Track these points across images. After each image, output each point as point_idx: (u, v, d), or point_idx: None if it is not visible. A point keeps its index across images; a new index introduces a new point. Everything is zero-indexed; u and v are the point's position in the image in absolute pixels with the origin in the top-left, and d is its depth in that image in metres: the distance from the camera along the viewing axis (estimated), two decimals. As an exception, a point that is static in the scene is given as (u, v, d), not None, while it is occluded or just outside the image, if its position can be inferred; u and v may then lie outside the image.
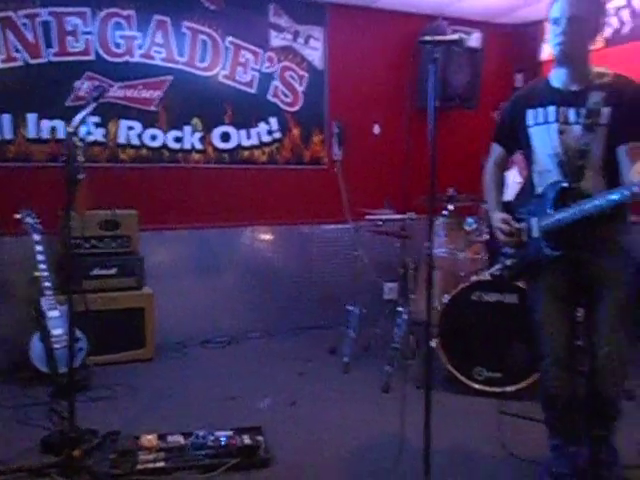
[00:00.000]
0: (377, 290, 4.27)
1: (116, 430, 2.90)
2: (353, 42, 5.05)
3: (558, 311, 2.44)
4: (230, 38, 4.57)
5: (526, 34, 5.73)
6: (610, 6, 4.85)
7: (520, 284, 3.32)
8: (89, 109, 2.61)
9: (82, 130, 3.04)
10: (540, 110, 2.36)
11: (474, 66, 5.14)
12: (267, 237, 4.92)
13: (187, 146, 4.53)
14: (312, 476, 2.63)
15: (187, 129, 4.51)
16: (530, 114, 2.40)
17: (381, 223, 4.01)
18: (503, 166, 2.67)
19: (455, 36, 2.25)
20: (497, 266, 2.67)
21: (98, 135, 4.29)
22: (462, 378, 3.51)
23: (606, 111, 2.23)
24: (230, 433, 2.78)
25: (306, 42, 4.83)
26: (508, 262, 2.58)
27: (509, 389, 3.42)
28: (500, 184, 2.67)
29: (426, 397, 2.32)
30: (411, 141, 4.57)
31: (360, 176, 4.98)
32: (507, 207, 2.60)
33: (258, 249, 4.89)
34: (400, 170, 5.00)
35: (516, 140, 2.51)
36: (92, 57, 4.22)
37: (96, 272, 4.04)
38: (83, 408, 2.97)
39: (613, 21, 4.91)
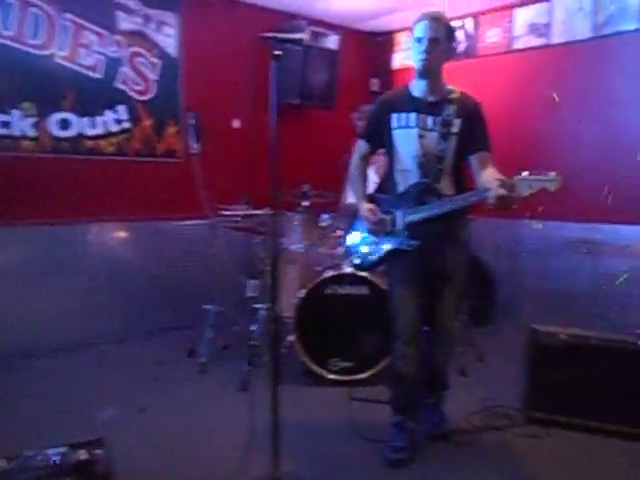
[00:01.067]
0: (240, 288, 4.18)
1: None
2: (211, 32, 4.93)
3: (412, 297, 2.74)
4: (69, 15, 4.18)
5: (381, 42, 6.04)
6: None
7: (371, 278, 3.60)
8: None
9: None
10: (403, 115, 2.70)
11: (332, 67, 5.28)
12: (118, 234, 4.59)
13: (16, 132, 4.05)
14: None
15: (16, 113, 4.03)
16: (394, 118, 2.72)
17: (238, 219, 3.96)
18: (368, 161, 2.94)
19: (297, 35, 2.39)
20: (358, 254, 2.93)
21: None
22: (317, 369, 3.62)
23: (457, 122, 2.64)
24: (64, 449, 2.47)
25: (158, 28, 4.60)
26: (370, 249, 2.86)
27: (361, 376, 3.62)
28: (365, 177, 2.93)
29: (273, 389, 2.42)
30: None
31: (219, 171, 4.84)
32: (370, 200, 2.85)
33: (108, 247, 4.55)
34: (259, 165, 4.97)
35: (381, 139, 2.80)
36: None
37: None
38: None
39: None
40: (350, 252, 3.01)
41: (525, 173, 2.30)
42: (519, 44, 5.05)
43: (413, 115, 2.67)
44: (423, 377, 2.89)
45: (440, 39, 2.59)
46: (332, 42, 5.29)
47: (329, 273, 3.68)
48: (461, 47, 5.41)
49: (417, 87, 2.71)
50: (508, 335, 4.52)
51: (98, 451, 2.52)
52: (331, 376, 3.61)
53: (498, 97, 4.93)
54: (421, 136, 2.64)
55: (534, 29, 4.95)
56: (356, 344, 3.63)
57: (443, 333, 2.85)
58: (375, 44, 6.05)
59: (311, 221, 4.02)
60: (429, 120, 2.65)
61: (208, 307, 4.05)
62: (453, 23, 5.24)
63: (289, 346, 3.74)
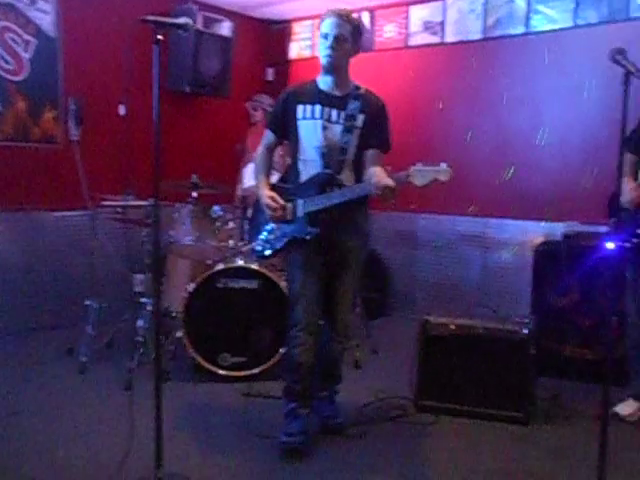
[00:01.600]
0: (126, 282, 4.07)
1: None
2: (94, 13, 4.73)
3: (312, 284, 2.84)
4: None
5: (277, 31, 6.08)
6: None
7: (263, 271, 3.64)
8: None
9: None
10: (309, 107, 2.82)
11: (225, 55, 5.26)
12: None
13: None
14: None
15: None
16: (300, 109, 2.83)
17: (120, 210, 3.87)
18: (273, 151, 3.05)
19: (181, 20, 2.35)
20: (259, 241, 3.00)
21: None
22: (207, 365, 3.61)
23: (361, 117, 2.79)
24: None
25: (32, 3, 4.35)
26: (271, 237, 2.94)
27: (254, 372, 3.65)
28: (269, 167, 3.03)
29: (156, 386, 2.35)
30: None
31: (102, 159, 4.69)
32: (273, 189, 2.93)
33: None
34: (146, 154, 4.86)
35: (286, 130, 2.91)
36: None
37: None
38: None
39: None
40: (251, 240, 3.07)
41: (419, 164, 2.47)
42: (414, 41, 5.29)
43: (318, 107, 2.79)
44: (317, 369, 2.95)
45: (346, 36, 2.73)
46: (225, 29, 5.27)
47: (220, 266, 3.67)
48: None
49: (323, 81, 2.84)
50: (402, 327, 4.71)
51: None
52: (222, 372, 3.62)
53: (394, 91, 5.11)
54: (325, 128, 2.77)
55: (428, 27, 5.19)
56: (248, 339, 3.65)
57: (340, 324, 2.96)
58: (271, 33, 6.08)
59: (202, 213, 3.96)
60: (333, 113, 2.78)
61: (89, 303, 3.93)
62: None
63: (178, 342, 3.70)
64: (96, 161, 4.59)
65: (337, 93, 2.82)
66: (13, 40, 4.33)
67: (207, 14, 5.15)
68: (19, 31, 4.35)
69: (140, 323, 3.67)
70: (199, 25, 4.98)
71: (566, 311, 3.85)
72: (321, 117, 2.79)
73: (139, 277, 3.94)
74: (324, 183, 2.77)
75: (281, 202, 2.83)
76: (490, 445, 2.96)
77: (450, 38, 5.09)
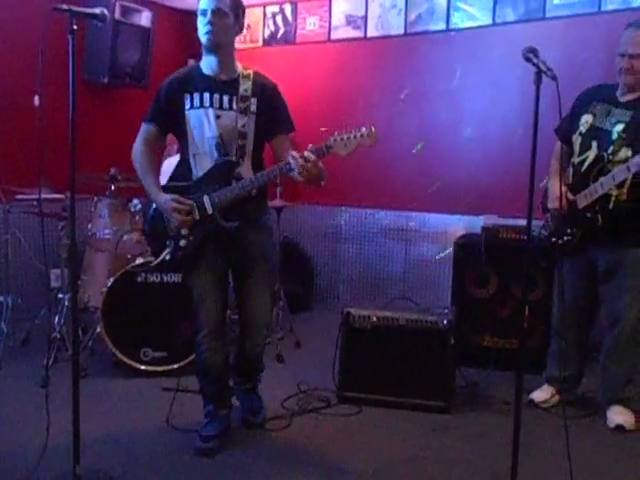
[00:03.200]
0: (42, 278, 4.07)
1: None
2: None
3: (215, 286, 2.79)
4: None
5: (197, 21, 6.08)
6: (268, 11, 5.67)
7: None
8: None
9: None
10: (196, 95, 2.69)
11: (144, 46, 5.29)
12: None
13: None
14: None
15: None
16: (187, 98, 2.70)
17: (36, 203, 3.82)
18: (155, 147, 2.92)
19: (96, 10, 2.36)
20: (167, 250, 2.75)
21: None
22: (128, 361, 3.65)
23: (253, 101, 2.70)
24: None
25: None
26: (182, 243, 2.74)
27: (175, 366, 3.68)
28: (154, 165, 2.88)
29: (73, 382, 2.36)
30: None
31: (16, 150, 4.60)
32: (170, 191, 2.75)
33: None
34: (62, 146, 4.77)
35: (172, 122, 2.77)
36: None
37: None
38: None
39: (270, 24, 5.67)
40: (156, 255, 2.83)
41: (336, 133, 2.40)
42: (336, 34, 5.41)
43: (207, 94, 2.67)
44: (238, 366, 3.03)
45: (225, 11, 2.61)
46: (144, 19, 5.27)
47: (139, 260, 3.70)
48: (279, 33, 5.66)
49: (207, 64, 2.72)
50: (326, 320, 4.85)
51: None
52: (143, 367, 3.65)
53: (316, 86, 5.26)
54: (218, 116, 2.67)
55: (350, 21, 5.33)
56: (169, 333, 3.70)
57: (257, 324, 2.93)
58: (192, 23, 6.04)
59: (121, 206, 4.03)
60: (225, 99, 2.67)
61: (2, 299, 3.92)
62: (272, 8, 5.54)
63: (97, 337, 3.70)
64: (9, 152, 4.48)
65: (224, 77, 2.70)
66: None
67: (125, 4, 5.13)
68: None
69: (57, 319, 3.67)
70: (117, 15, 4.94)
71: (485, 302, 4.03)
72: (211, 105, 2.67)
73: (56, 272, 3.93)
74: (227, 172, 2.66)
75: (189, 202, 2.67)
76: (412, 434, 3.10)
77: (372, 33, 5.24)
